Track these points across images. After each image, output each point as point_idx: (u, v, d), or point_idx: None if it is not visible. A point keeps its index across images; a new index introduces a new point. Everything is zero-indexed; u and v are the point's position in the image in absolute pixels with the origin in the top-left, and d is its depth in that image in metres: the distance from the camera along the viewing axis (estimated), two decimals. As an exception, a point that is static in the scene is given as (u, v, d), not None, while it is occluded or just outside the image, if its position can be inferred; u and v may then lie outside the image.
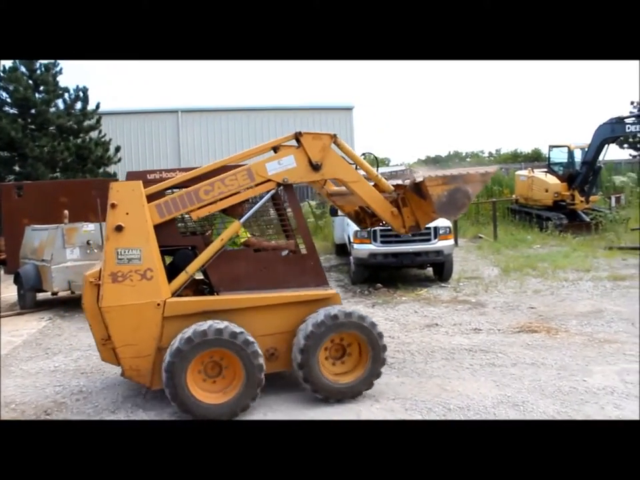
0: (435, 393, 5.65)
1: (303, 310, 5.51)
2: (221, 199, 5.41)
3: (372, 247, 11.24)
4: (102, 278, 5.13)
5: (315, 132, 5.62)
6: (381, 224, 6.74)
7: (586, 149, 16.80)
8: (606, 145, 15.90)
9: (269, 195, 5.56)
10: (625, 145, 30.31)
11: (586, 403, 5.29)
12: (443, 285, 11.36)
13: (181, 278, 5.35)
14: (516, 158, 34.38)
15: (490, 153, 48.42)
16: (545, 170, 18.98)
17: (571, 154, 17.99)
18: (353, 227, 11.67)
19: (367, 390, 5.57)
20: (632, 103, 31.85)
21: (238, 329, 5.14)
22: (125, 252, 5.11)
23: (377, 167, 6.50)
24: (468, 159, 47.98)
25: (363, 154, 6.47)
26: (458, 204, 5.58)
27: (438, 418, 5.05)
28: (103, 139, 21.51)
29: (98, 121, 21.45)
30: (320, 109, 27.06)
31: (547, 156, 20.44)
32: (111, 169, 21.48)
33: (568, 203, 17.14)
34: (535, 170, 19.29)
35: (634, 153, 32.11)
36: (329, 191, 6.86)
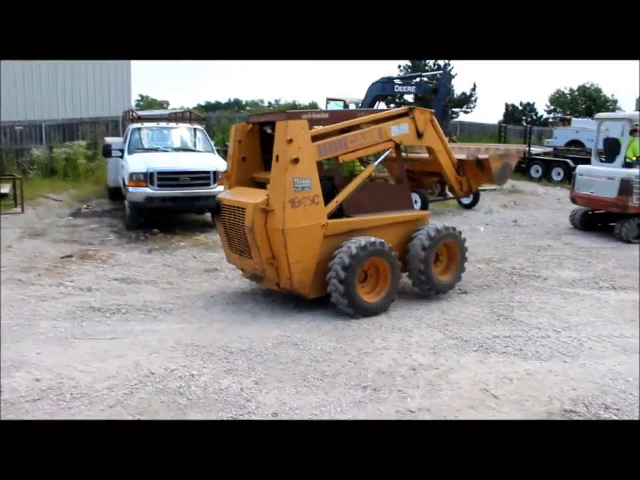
0: (216, 338, 5.52)
1: (409, 227, 6.93)
2: (359, 149, 6.54)
3: (148, 191, 10.60)
4: (282, 204, 5.85)
5: (421, 108, 7.28)
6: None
7: (360, 104, 17.77)
8: (377, 102, 16.96)
9: (389, 151, 6.82)
10: (392, 105, 32.87)
11: (358, 338, 5.62)
12: (222, 230, 11.21)
13: (332, 205, 6.32)
14: (295, 109, 35.32)
15: (269, 103, 49.20)
16: (322, 122, 19.80)
17: (346, 107, 18.94)
18: (129, 169, 10.91)
19: (456, 284, 7.26)
20: (399, 67, 34.66)
21: (388, 243, 6.37)
22: (300, 181, 5.93)
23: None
24: (248, 108, 48.21)
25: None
26: (506, 175, 7.90)
27: (225, 363, 4.95)
28: None
29: None
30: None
31: (325, 109, 21.31)
32: None
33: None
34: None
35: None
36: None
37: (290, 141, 5.86)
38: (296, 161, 5.87)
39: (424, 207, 13.17)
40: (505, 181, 8.00)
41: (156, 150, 12.01)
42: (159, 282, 7.56)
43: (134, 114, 13.64)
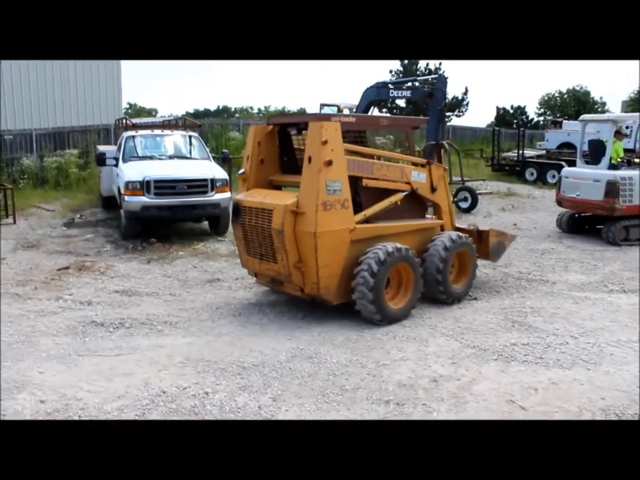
0: (226, 352, 5.31)
1: (426, 235, 6.90)
2: (382, 180, 6.49)
3: (145, 200, 10.35)
4: (314, 207, 5.73)
5: (437, 163, 7.29)
6: None
7: (354, 110, 17.60)
8: (372, 107, 16.78)
9: (405, 193, 6.73)
10: (384, 110, 32.88)
11: (374, 349, 5.43)
12: (220, 238, 10.98)
13: (360, 217, 6.24)
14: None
15: (259, 109, 49.06)
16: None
17: (339, 112, 18.75)
18: (124, 178, 10.66)
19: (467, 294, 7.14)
20: (390, 71, 34.65)
21: (411, 250, 6.33)
22: (332, 184, 5.84)
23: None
24: (237, 115, 48.03)
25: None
26: (500, 252, 7.90)
27: (239, 379, 4.74)
28: None
29: None
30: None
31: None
32: None
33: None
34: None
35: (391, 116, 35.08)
36: None
37: (325, 142, 5.76)
38: (330, 163, 5.78)
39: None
40: (498, 258, 7.97)
41: (151, 158, 11.77)
42: (161, 294, 7.34)
43: (128, 121, 13.40)
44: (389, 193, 6.65)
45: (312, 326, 6.06)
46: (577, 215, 11.67)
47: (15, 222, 12.53)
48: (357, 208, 6.30)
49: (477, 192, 15.16)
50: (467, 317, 6.43)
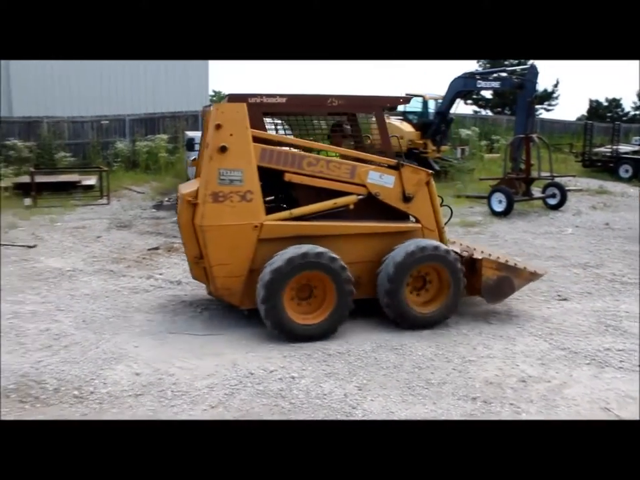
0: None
1: (389, 241, 5.63)
2: (316, 177, 5.47)
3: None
4: (202, 197, 5.15)
5: (414, 166, 5.98)
6: None
7: (440, 101, 17.27)
8: (458, 98, 16.45)
9: (359, 197, 5.60)
10: (469, 101, 32.12)
11: (459, 344, 5.34)
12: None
13: (284, 214, 5.46)
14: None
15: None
16: (401, 118, 19.24)
17: (425, 104, 18.38)
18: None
19: (446, 319, 5.75)
20: (478, 61, 33.71)
21: (335, 255, 5.24)
22: (227, 173, 5.15)
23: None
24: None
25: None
26: (502, 291, 6.01)
27: (324, 366, 4.79)
28: None
29: None
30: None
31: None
32: None
33: (421, 151, 17.55)
34: (391, 117, 19.45)
35: (476, 109, 34.24)
36: None
37: (218, 127, 5.13)
38: (223, 149, 5.12)
39: (509, 207, 12.71)
40: (496, 300, 6.08)
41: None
42: (246, 278, 7.50)
43: (216, 108, 13.72)
44: (340, 192, 5.61)
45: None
46: None
47: (108, 203, 13.18)
48: (294, 205, 5.61)
49: (566, 188, 14.55)
50: (556, 317, 6.20)
